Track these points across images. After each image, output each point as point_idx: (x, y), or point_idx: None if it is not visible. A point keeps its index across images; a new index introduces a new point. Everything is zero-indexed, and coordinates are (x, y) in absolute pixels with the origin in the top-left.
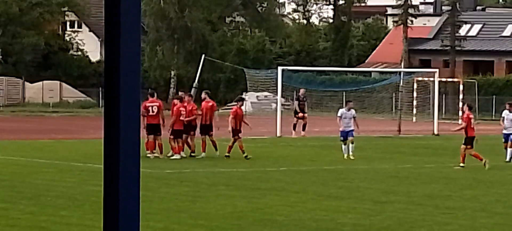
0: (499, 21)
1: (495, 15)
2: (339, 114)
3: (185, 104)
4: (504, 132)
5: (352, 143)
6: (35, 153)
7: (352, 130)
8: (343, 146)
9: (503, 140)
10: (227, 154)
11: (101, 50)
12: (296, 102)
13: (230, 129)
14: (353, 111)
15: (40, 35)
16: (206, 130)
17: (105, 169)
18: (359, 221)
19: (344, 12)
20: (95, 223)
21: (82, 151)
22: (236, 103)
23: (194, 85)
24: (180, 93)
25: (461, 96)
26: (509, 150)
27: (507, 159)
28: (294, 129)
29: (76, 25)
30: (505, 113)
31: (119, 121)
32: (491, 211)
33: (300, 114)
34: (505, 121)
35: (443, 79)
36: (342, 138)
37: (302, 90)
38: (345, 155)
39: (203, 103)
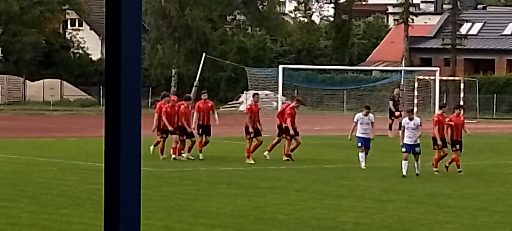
0: (500, 20)
1: (496, 13)
2: (355, 119)
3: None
4: (406, 142)
5: (366, 154)
6: (36, 152)
7: (369, 138)
8: (360, 153)
9: (403, 150)
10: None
11: (102, 48)
12: (391, 102)
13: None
14: (371, 116)
15: (41, 33)
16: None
17: (106, 168)
18: (360, 220)
19: (345, 11)
20: (96, 222)
21: (83, 149)
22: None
23: (194, 84)
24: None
25: (462, 95)
26: (416, 163)
27: (416, 171)
28: (390, 128)
29: (77, 24)
30: (405, 122)
31: (120, 119)
32: (491, 209)
33: (397, 113)
34: (405, 131)
35: (444, 78)
36: (359, 144)
37: (396, 90)
38: (363, 164)
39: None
